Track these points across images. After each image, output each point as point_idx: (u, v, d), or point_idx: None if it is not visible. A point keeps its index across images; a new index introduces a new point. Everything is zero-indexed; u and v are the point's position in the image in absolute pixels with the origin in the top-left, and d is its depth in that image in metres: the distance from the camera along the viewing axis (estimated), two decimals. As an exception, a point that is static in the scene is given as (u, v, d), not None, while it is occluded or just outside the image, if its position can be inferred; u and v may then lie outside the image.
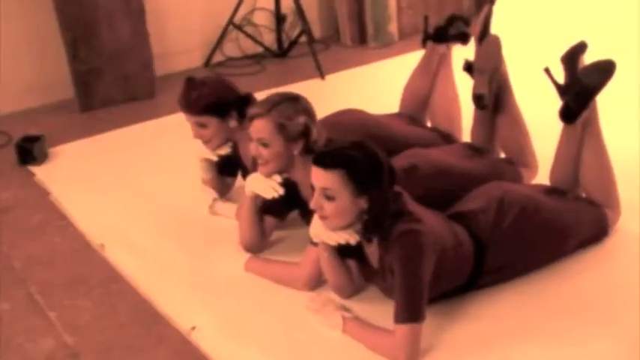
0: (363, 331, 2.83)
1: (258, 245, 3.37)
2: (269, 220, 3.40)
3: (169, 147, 4.39)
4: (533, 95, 4.05)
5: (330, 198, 2.74)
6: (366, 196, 2.73)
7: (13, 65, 4.99)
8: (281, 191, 3.19)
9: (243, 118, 3.39)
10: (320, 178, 2.74)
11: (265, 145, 3.14)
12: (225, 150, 3.58)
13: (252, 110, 3.17)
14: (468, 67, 3.60)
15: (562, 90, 3.25)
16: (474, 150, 3.65)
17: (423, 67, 3.98)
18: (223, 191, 3.79)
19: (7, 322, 3.10)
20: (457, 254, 2.90)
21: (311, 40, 5.53)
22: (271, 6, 5.71)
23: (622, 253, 3.24)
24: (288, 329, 2.94)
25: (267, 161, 3.17)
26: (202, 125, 3.49)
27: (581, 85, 3.16)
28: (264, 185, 3.20)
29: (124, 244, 3.52)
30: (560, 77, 3.30)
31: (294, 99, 3.18)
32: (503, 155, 3.71)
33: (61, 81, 5.08)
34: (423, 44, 3.99)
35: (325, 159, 2.73)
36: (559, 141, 3.38)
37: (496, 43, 3.56)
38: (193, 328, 2.96)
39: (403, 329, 2.67)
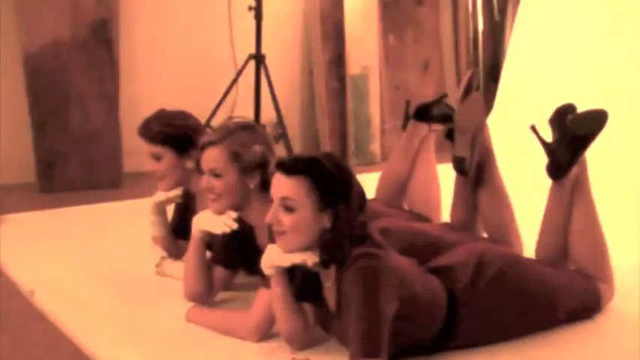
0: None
1: (204, 296, 3.00)
2: (218, 271, 3.05)
3: (127, 226, 4.05)
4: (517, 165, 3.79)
5: (289, 209, 2.41)
6: (330, 211, 2.40)
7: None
8: (234, 226, 2.86)
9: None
10: (281, 185, 2.43)
11: (217, 175, 2.85)
12: (175, 193, 3.29)
13: (203, 139, 2.91)
14: (449, 134, 3.35)
15: (550, 148, 3.00)
16: (454, 228, 3.35)
17: (403, 149, 3.69)
18: (174, 253, 3.44)
19: None
20: (428, 303, 2.54)
21: (289, 150, 5.32)
22: (250, 115, 5.52)
23: (613, 333, 2.86)
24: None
25: (219, 195, 2.86)
26: (157, 157, 3.25)
27: (572, 134, 2.91)
28: (215, 221, 2.88)
29: (57, 292, 3.17)
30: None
31: (251, 127, 2.93)
32: (484, 235, 3.39)
33: (25, 163, 4.83)
34: (404, 128, 3.75)
35: (289, 164, 2.43)
36: (546, 208, 3.09)
37: (478, 102, 3.33)
38: (117, 364, 2.55)
39: (361, 366, 2.27)
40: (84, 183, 4.85)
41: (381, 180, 3.76)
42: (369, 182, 4.91)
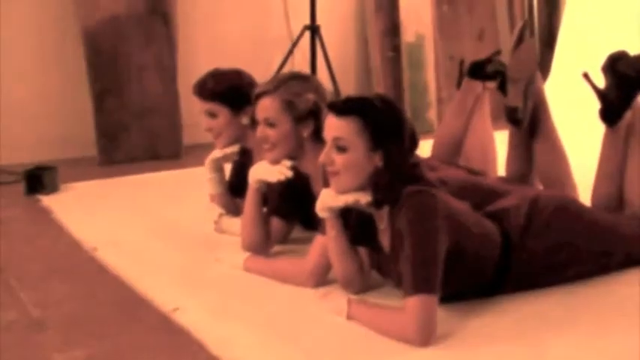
0: (370, 313, 2.43)
1: (261, 247, 3.03)
2: (275, 222, 3.07)
3: (187, 192, 4.09)
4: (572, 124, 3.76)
5: (342, 149, 2.43)
6: (382, 151, 2.42)
7: (39, 115, 4.88)
8: (289, 174, 2.88)
9: None
10: (333, 126, 2.45)
11: (271, 125, 2.88)
12: (232, 149, 3.31)
13: (257, 89, 2.93)
14: (501, 85, 3.33)
15: (602, 94, 2.97)
16: (509, 180, 3.34)
17: (457, 107, 3.67)
18: (232, 210, 3.47)
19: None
20: (482, 243, 2.53)
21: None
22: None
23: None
24: (283, 313, 2.57)
25: (274, 145, 2.89)
26: (212, 114, 3.28)
27: (623, 77, 2.88)
28: (271, 170, 2.90)
29: (119, 248, 3.22)
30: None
31: (304, 77, 2.95)
32: (540, 187, 3.37)
33: (86, 138, 4.91)
34: (458, 86, 3.74)
35: (340, 105, 2.45)
36: (600, 155, 3.07)
37: (531, 49, 3.30)
38: (176, 309, 2.60)
39: (414, 301, 2.28)
40: (144, 155, 4.90)
41: (437, 138, 3.74)
42: (426, 149, 4.97)
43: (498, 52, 3.63)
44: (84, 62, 4.79)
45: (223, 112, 3.26)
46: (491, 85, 3.62)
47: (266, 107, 2.88)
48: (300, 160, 2.93)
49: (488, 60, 3.61)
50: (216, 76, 3.28)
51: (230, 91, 3.24)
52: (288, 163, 2.90)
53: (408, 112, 5.69)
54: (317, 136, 2.82)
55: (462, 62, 3.76)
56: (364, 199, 2.47)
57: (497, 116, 3.63)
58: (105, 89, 4.79)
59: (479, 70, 3.61)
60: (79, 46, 4.79)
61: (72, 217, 3.66)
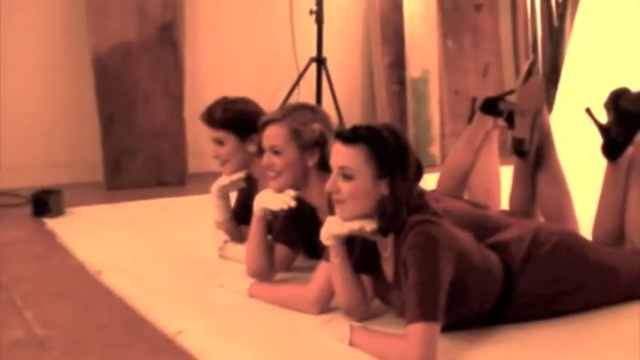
0: (372, 339, 2.46)
1: (265, 273, 3.05)
2: (280, 250, 3.10)
3: (192, 218, 4.11)
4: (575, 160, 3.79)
5: (348, 177, 2.47)
6: (388, 179, 2.45)
7: (46, 138, 4.93)
8: (292, 203, 2.91)
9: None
10: (340, 154, 2.49)
11: (277, 153, 2.92)
12: (239, 176, 3.34)
13: (264, 117, 2.98)
14: (509, 117, 3.38)
15: (604, 129, 3.01)
16: (512, 214, 3.37)
17: (467, 141, 3.66)
18: (236, 237, 3.49)
19: (-22, 318, 2.81)
20: (484, 273, 2.57)
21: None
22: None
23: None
24: (286, 338, 2.59)
25: (279, 173, 2.93)
26: (219, 142, 3.32)
27: (625, 113, 2.92)
28: (275, 198, 2.94)
29: (123, 271, 3.24)
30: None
31: (312, 108, 3.00)
32: (542, 219, 3.40)
33: (92, 162, 4.95)
34: (469, 121, 3.76)
35: (348, 133, 2.49)
36: (602, 189, 3.10)
37: (538, 84, 3.35)
38: (180, 332, 2.62)
39: (416, 328, 2.31)
40: (149, 181, 4.94)
41: (443, 171, 3.74)
42: (429, 184, 4.98)
43: (511, 92, 3.67)
44: (93, 87, 4.84)
45: (230, 140, 3.30)
46: (502, 122, 3.65)
47: (273, 135, 2.92)
48: (304, 190, 2.97)
49: (501, 97, 3.65)
50: (224, 104, 3.32)
51: (237, 119, 3.28)
52: (292, 192, 2.93)
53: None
54: (322, 166, 2.86)
55: (474, 99, 3.81)
56: (369, 226, 2.50)
57: (502, 150, 3.67)
58: (112, 114, 4.85)
59: (491, 106, 3.64)
60: (89, 71, 4.84)
61: (77, 240, 3.69)
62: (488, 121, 3.63)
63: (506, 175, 3.52)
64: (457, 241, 2.49)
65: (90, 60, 4.83)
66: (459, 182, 3.67)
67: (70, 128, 5.01)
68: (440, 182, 3.74)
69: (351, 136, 2.47)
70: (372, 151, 2.45)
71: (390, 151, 2.45)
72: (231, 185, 3.42)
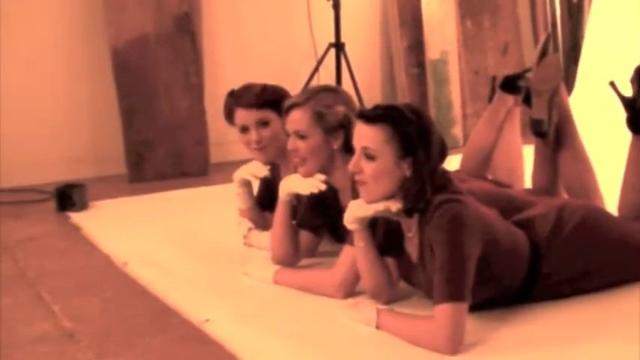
0: (399, 322, 2.45)
1: (291, 259, 3.05)
2: (304, 235, 3.10)
3: (215, 208, 4.09)
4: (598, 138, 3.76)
5: (370, 157, 2.45)
6: (411, 159, 2.43)
7: (69, 133, 4.96)
8: (322, 187, 2.90)
9: None
10: (362, 134, 2.47)
11: (302, 137, 2.90)
12: (263, 172, 3.33)
13: (288, 101, 2.96)
14: (526, 98, 3.35)
15: (629, 102, 2.98)
16: (535, 192, 3.35)
17: (489, 120, 3.65)
18: (260, 225, 3.49)
19: (7, 311, 2.82)
20: (511, 250, 2.55)
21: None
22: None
23: None
24: (313, 324, 2.59)
25: (305, 158, 2.91)
26: (264, 123, 3.26)
27: (652, 85, 2.89)
28: (303, 182, 2.93)
29: (148, 262, 3.25)
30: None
31: (334, 90, 2.98)
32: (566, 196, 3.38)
33: (114, 155, 4.97)
34: (490, 101, 3.74)
35: (370, 113, 2.48)
36: (626, 164, 3.07)
37: (555, 62, 3.31)
38: (207, 321, 2.62)
39: (444, 308, 2.30)
40: (171, 172, 4.94)
41: (466, 151, 3.73)
42: (452, 165, 4.96)
43: (529, 70, 3.64)
44: (112, 80, 4.85)
45: (274, 120, 3.24)
46: (520, 100, 3.62)
47: (297, 119, 2.90)
48: (330, 173, 2.95)
49: (521, 75, 3.62)
50: (258, 87, 3.28)
51: (278, 99, 3.19)
52: (321, 177, 2.92)
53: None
54: (347, 148, 2.84)
55: (494, 78, 3.78)
56: (394, 206, 2.48)
57: (523, 129, 3.64)
58: (133, 107, 4.85)
59: (511, 84, 3.61)
60: (108, 64, 4.84)
61: (101, 233, 3.70)
62: (509, 99, 3.61)
63: (528, 154, 3.50)
64: (483, 218, 2.48)
65: (109, 54, 4.83)
66: (482, 162, 3.65)
67: (92, 123, 5.02)
68: (463, 163, 3.73)
69: (372, 116, 2.46)
70: (395, 131, 2.43)
71: (412, 130, 2.43)
72: (254, 177, 3.39)
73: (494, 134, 3.63)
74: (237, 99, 3.29)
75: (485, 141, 3.65)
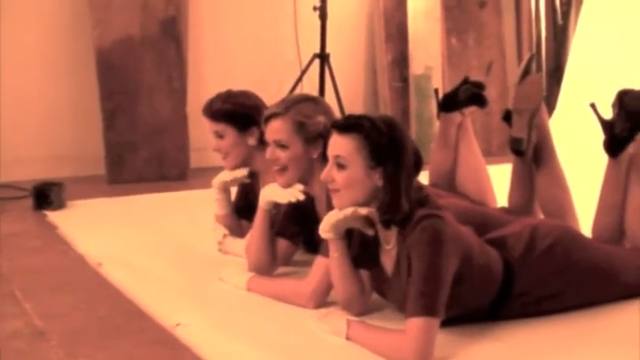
0: (369, 333, 2.46)
1: (267, 267, 3.06)
2: (282, 244, 3.10)
3: (192, 212, 4.11)
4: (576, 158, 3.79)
5: (342, 166, 2.47)
6: (381, 169, 2.45)
7: (50, 132, 4.95)
8: (301, 197, 2.91)
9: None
10: (335, 144, 2.49)
11: (283, 147, 2.91)
12: (241, 173, 3.34)
13: (268, 111, 2.97)
14: (507, 116, 3.37)
15: (608, 125, 3.01)
16: (511, 211, 3.37)
17: (441, 141, 3.64)
18: (236, 232, 3.50)
19: (-22, 309, 2.82)
20: (484, 269, 2.57)
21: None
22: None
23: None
24: (284, 332, 2.60)
25: (286, 167, 2.92)
26: (219, 135, 3.32)
27: (629, 110, 2.92)
28: (282, 192, 2.94)
29: (123, 264, 3.25)
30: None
31: (314, 99, 3.00)
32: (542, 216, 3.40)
33: (95, 156, 4.96)
34: (438, 117, 3.73)
35: (342, 123, 2.50)
36: (602, 186, 3.10)
37: (537, 82, 3.34)
38: (178, 325, 2.63)
39: (416, 322, 2.31)
40: (151, 175, 4.94)
41: (429, 172, 3.69)
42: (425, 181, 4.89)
43: (467, 78, 3.66)
44: (96, 81, 4.85)
45: (230, 133, 3.30)
46: (470, 110, 3.61)
47: (277, 129, 2.91)
48: (309, 183, 2.96)
49: (459, 87, 3.62)
50: (224, 97, 3.32)
51: (236, 111, 3.28)
52: (300, 186, 2.93)
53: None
54: (325, 157, 2.85)
55: (436, 91, 3.78)
56: (364, 210, 2.50)
57: (503, 148, 3.65)
58: (115, 109, 4.85)
59: (452, 101, 3.61)
60: (92, 64, 4.84)
61: (77, 233, 3.70)
62: (455, 117, 3.60)
63: (505, 173, 3.51)
64: (461, 236, 2.50)
65: (93, 54, 4.83)
66: (447, 182, 3.63)
67: (74, 122, 5.02)
68: (430, 180, 3.69)
69: (344, 125, 2.48)
70: (365, 140, 2.45)
71: (382, 141, 2.45)
72: (233, 181, 3.42)
73: (451, 155, 3.61)
74: (204, 106, 3.36)
75: (444, 163, 3.62)
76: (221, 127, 3.31)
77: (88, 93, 4.92)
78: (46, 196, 4.12)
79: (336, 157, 2.48)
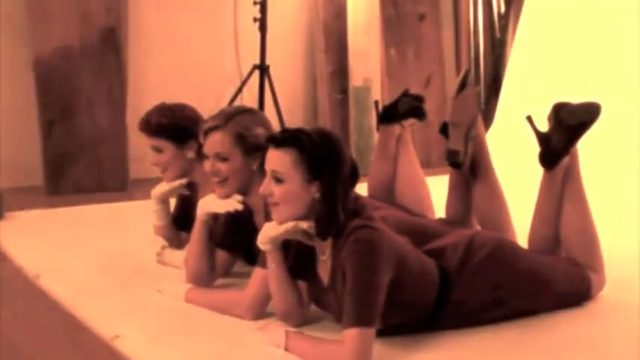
0: (307, 345, 2.48)
1: (206, 278, 3.06)
2: (220, 255, 3.11)
3: (131, 224, 4.11)
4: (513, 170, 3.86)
5: (279, 181, 2.49)
6: (318, 182, 2.48)
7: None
8: (239, 207, 2.92)
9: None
10: (271, 158, 2.51)
11: (223, 159, 2.92)
12: (180, 183, 3.35)
13: (206, 124, 2.98)
14: (444, 129, 3.41)
15: (544, 138, 3.07)
16: (449, 222, 3.42)
17: (381, 153, 3.65)
18: (175, 243, 3.50)
19: None
20: (420, 276, 2.60)
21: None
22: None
23: (604, 319, 2.90)
24: (222, 344, 2.60)
25: (225, 179, 2.93)
26: (157, 149, 3.32)
27: (565, 124, 2.98)
28: (220, 202, 2.95)
29: (61, 276, 3.24)
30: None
31: (251, 111, 3.01)
32: (478, 227, 3.45)
33: (32, 166, 4.92)
34: (378, 129, 3.76)
35: (278, 137, 2.52)
36: (538, 198, 3.14)
37: (472, 96, 3.38)
38: (116, 337, 2.62)
39: (352, 333, 2.33)
40: (90, 186, 4.92)
41: (368, 184, 3.69)
42: (364, 192, 4.92)
43: (406, 90, 3.70)
44: (34, 91, 4.80)
45: (168, 147, 3.30)
46: (409, 122, 3.64)
47: (217, 142, 2.91)
48: (248, 194, 2.98)
49: (399, 99, 3.65)
50: (160, 111, 3.31)
51: (174, 126, 3.28)
52: (238, 197, 2.95)
53: (354, 154, 5.74)
54: (264, 169, 2.87)
55: (376, 103, 3.81)
56: (304, 224, 2.52)
57: (440, 161, 3.69)
58: (54, 118, 4.82)
59: (392, 114, 3.64)
60: (30, 74, 4.80)
61: (15, 245, 3.67)
62: (394, 128, 3.61)
63: (445, 184, 3.56)
64: (395, 245, 2.52)
65: (31, 63, 4.79)
66: (386, 194, 3.65)
67: (11, 132, 4.97)
68: (369, 192, 3.69)
69: (280, 140, 2.50)
70: (301, 155, 2.47)
71: (319, 154, 2.47)
72: (172, 191, 3.42)
73: (390, 167, 3.62)
74: (139, 122, 3.36)
75: (383, 175, 3.62)
76: (159, 142, 3.31)
77: (26, 103, 4.88)
78: (-18, 206, 4.07)
79: (273, 171, 2.50)
